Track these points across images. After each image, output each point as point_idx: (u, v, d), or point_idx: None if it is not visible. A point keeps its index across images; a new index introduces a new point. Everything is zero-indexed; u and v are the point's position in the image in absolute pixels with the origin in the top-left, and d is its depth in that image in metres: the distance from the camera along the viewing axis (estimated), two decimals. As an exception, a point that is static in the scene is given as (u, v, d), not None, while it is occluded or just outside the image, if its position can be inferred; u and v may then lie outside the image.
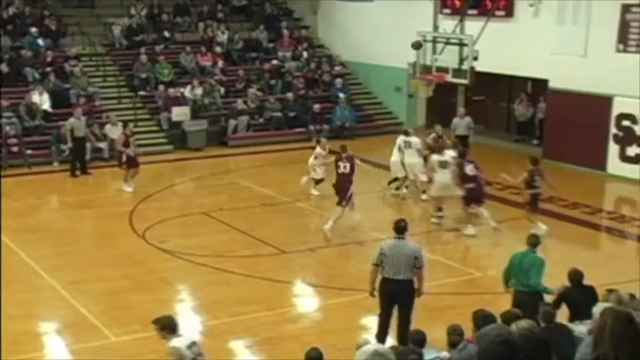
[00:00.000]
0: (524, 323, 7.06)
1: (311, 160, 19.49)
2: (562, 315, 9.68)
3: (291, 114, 26.70)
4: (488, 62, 21.86)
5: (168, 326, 8.45)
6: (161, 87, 25.93)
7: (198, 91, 26.08)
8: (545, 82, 23.42)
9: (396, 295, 10.90)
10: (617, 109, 21.36)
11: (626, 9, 20.89)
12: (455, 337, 8.19)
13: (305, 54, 29.71)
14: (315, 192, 19.50)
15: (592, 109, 21.74)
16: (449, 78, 22.06)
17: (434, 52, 22.28)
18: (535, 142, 25.14)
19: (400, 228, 11.02)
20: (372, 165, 21.16)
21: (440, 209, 17.65)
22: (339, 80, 28.48)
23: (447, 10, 25.22)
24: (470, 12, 23.93)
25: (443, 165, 17.19)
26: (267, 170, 22.88)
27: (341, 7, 30.16)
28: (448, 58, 21.93)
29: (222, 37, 29.00)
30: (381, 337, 10.91)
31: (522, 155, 23.96)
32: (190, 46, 27.84)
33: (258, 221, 17.69)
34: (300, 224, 17.62)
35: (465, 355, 7.52)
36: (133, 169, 19.94)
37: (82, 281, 14.00)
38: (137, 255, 15.52)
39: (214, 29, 29.19)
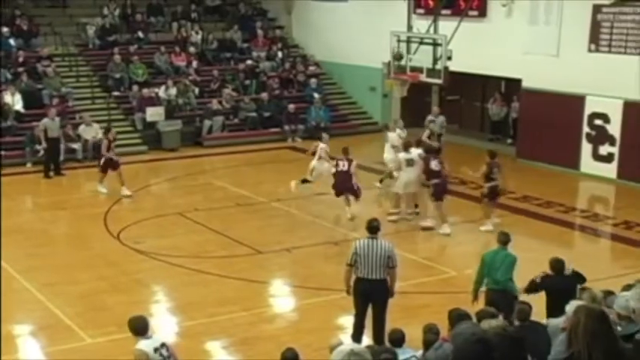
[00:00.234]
0: (492, 322, 7.11)
1: (314, 162, 18.86)
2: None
3: (266, 114, 26.69)
4: (462, 62, 21.97)
5: (133, 329, 8.41)
6: (135, 87, 25.82)
7: (173, 91, 26.00)
8: (518, 81, 23.57)
9: (370, 294, 10.93)
10: (589, 108, 21.53)
11: (597, 9, 21.07)
12: (431, 335, 8.23)
13: (279, 54, 29.70)
14: (293, 185, 18.99)
15: (565, 108, 21.90)
16: (423, 78, 22.16)
17: (408, 51, 22.38)
18: (509, 141, 25.29)
19: (373, 228, 11.05)
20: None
21: (397, 206, 17.85)
22: (313, 80, 28.51)
23: (421, 10, 25.30)
24: (443, 12, 24.03)
25: (409, 163, 17.27)
26: (242, 170, 22.86)
27: (315, 7, 30.18)
28: (422, 57, 22.05)
29: (197, 38, 28.93)
30: (357, 336, 10.95)
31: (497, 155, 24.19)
32: (164, 46, 27.74)
33: (234, 221, 17.67)
34: (276, 224, 17.61)
35: (441, 354, 7.56)
36: (116, 170, 19.62)
37: (56, 283, 13.92)
38: (112, 256, 15.45)
39: (188, 29, 29.11)
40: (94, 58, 27.28)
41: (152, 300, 13.61)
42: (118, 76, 26.27)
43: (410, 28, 23.67)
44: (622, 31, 20.61)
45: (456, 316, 8.09)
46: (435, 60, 21.74)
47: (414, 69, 22.26)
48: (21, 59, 25.44)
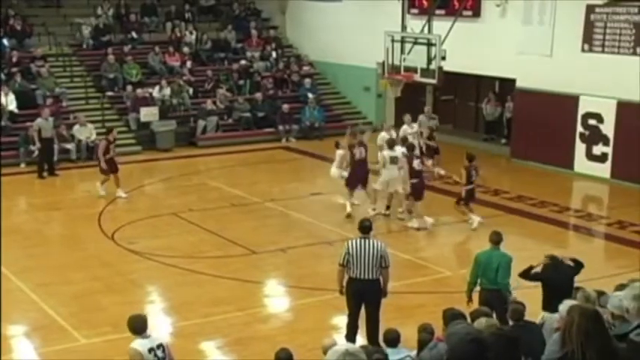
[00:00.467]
0: (483, 320, 7.13)
1: (334, 169, 18.61)
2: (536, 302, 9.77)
3: (260, 114, 26.68)
4: (456, 62, 22.03)
5: (131, 327, 8.39)
6: (129, 87, 25.80)
7: (167, 91, 25.97)
8: (512, 81, 23.60)
9: (363, 294, 10.92)
10: (583, 108, 21.57)
11: (590, 9, 21.11)
12: (425, 335, 8.23)
13: (273, 54, 29.70)
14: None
15: (559, 108, 21.94)
16: (417, 78, 22.18)
17: (402, 51, 22.39)
18: (503, 141, 25.32)
19: (365, 227, 11.04)
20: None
21: (375, 202, 17.94)
22: (307, 80, 28.50)
23: (415, 10, 25.32)
24: (437, 12, 24.05)
25: (393, 160, 17.29)
26: (237, 170, 22.85)
27: (309, 7, 30.18)
28: (416, 57, 22.06)
29: (190, 38, 28.91)
30: (351, 337, 10.94)
31: (491, 154, 24.26)
32: (158, 47, 27.71)
33: (228, 222, 17.67)
34: (270, 224, 17.60)
35: (436, 354, 7.57)
36: (115, 175, 19.39)
37: (51, 283, 13.91)
38: (106, 257, 15.44)
39: (182, 29, 29.09)
40: (88, 58, 27.25)
41: (146, 300, 13.60)
42: (111, 76, 26.25)
43: (404, 28, 23.69)
44: (615, 31, 20.66)
45: (451, 316, 8.10)
46: (429, 60, 21.77)
47: (408, 69, 22.28)
48: (14, 59, 25.39)
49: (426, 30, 22.98)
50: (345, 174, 18.07)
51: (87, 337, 11.79)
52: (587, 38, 21.24)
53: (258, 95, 27.05)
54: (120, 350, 10.38)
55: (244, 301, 13.26)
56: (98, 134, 23.41)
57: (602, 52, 20.94)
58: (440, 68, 21.52)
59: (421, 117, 22.74)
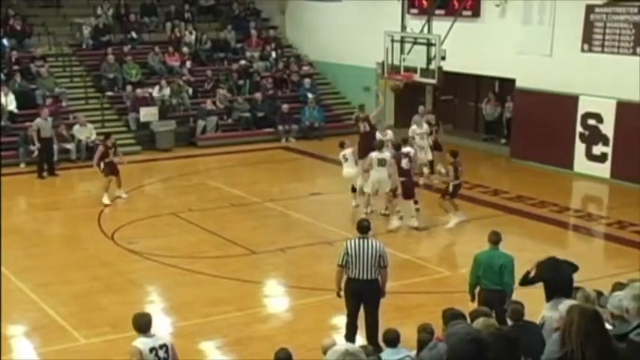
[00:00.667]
0: (480, 320, 7.13)
1: (347, 169, 18.45)
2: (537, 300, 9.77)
3: (260, 114, 26.68)
4: (456, 62, 22.03)
5: (136, 325, 8.39)
6: (129, 87, 25.79)
7: (166, 91, 25.97)
8: (512, 81, 23.60)
9: (362, 295, 10.91)
10: (582, 108, 21.56)
11: (590, 9, 21.11)
12: (425, 335, 8.23)
13: (273, 54, 29.69)
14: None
15: (558, 108, 21.94)
16: (417, 78, 22.18)
17: (402, 51, 22.39)
18: (503, 141, 25.32)
19: (364, 227, 11.04)
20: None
21: (367, 204, 17.93)
22: (307, 80, 28.50)
23: (415, 10, 25.32)
24: (437, 12, 24.05)
25: (381, 162, 17.24)
26: (236, 170, 22.85)
27: (309, 7, 30.18)
28: (416, 57, 22.06)
29: (190, 38, 28.91)
30: (351, 337, 10.92)
31: (491, 154, 24.29)
32: (158, 47, 27.71)
33: (228, 222, 17.67)
34: (270, 224, 17.61)
35: (435, 354, 7.57)
36: (115, 176, 19.12)
37: (50, 283, 13.91)
38: (106, 256, 15.44)
39: (182, 29, 29.09)
40: (88, 58, 27.25)
41: (146, 300, 13.59)
42: (111, 76, 26.24)
43: (404, 28, 23.70)
44: (615, 31, 20.66)
45: (450, 316, 8.10)
46: (429, 60, 21.77)
47: (407, 69, 22.28)
48: (14, 59, 25.38)
49: (425, 30, 22.99)
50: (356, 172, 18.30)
51: (86, 337, 11.79)
52: (587, 38, 21.25)
53: (258, 95, 27.05)
54: (119, 350, 10.40)
55: (244, 301, 13.27)
56: (98, 134, 23.42)
57: (602, 52, 20.95)
58: (439, 68, 21.53)
59: (415, 117, 22.78)
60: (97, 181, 19.55)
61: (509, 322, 8.74)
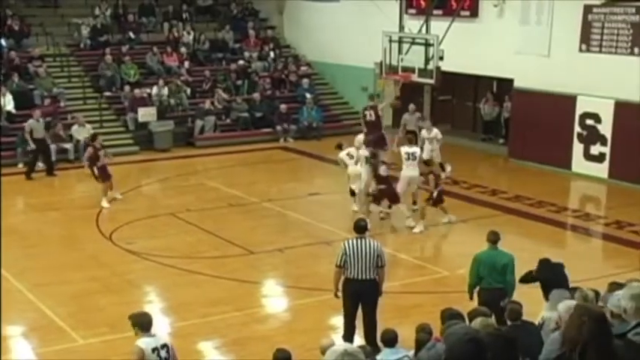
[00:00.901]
0: (478, 320, 7.13)
1: (353, 167, 17.95)
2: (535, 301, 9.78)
3: (258, 114, 26.68)
4: (454, 62, 22.04)
5: (138, 323, 8.41)
6: (127, 87, 25.78)
7: (165, 91, 25.96)
8: (510, 81, 23.61)
9: (361, 295, 10.90)
10: (580, 108, 21.58)
11: (588, 10, 21.12)
12: (423, 335, 8.23)
13: (271, 54, 29.70)
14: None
15: (556, 108, 21.95)
16: (415, 78, 22.20)
17: (400, 52, 22.40)
18: (501, 141, 25.33)
19: (361, 227, 11.04)
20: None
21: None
22: (305, 80, 28.50)
23: (413, 11, 25.33)
24: (435, 12, 24.07)
25: (411, 157, 17.39)
26: (235, 171, 22.84)
27: (307, 7, 30.18)
28: (414, 58, 22.08)
29: (188, 38, 28.89)
30: (349, 338, 10.91)
31: (489, 154, 24.31)
32: (156, 47, 27.70)
33: (226, 222, 17.66)
34: (268, 224, 17.60)
35: (434, 354, 7.57)
36: (107, 181, 18.96)
37: (48, 284, 13.90)
38: (104, 257, 15.43)
39: (180, 29, 29.08)
40: (86, 58, 27.24)
41: (144, 300, 13.58)
42: (109, 74, 26.20)
43: (402, 28, 23.71)
44: (613, 31, 20.67)
45: (449, 316, 8.11)
46: (427, 60, 21.79)
47: (405, 69, 22.29)
48: (12, 60, 25.36)
49: (423, 30, 23.01)
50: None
51: (84, 337, 11.78)
52: (585, 38, 21.26)
53: (256, 95, 27.05)
54: (118, 350, 10.41)
55: (242, 301, 13.26)
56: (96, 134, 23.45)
57: (600, 52, 20.96)
58: (437, 68, 21.55)
59: (405, 115, 22.88)
60: (95, 182, 19.52)
61: (508, 322, 8.75)
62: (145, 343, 8.23)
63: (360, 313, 11.05)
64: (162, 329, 11.76)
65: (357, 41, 27.13)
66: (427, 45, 21.88)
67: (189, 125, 25.86)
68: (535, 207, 18.85)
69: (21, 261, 15.04)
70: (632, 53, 20.28)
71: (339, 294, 11.04)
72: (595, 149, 21.39)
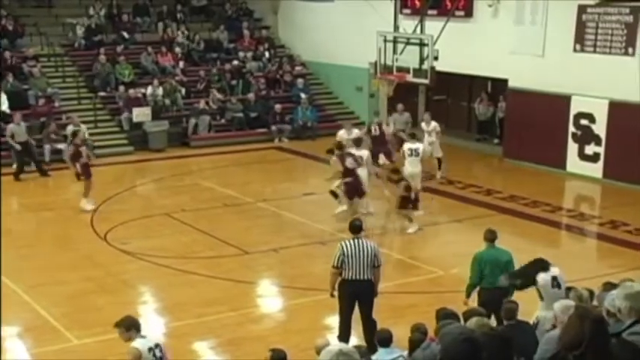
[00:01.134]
0: (473, 320, 7.13)
1: (335, 161, 17.65)
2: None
3: (253, 114, 26.67)
4: (449, 62, 22.06)
5: (133, 325, 8.45)
6: (122, 88, 25.76)
7: (159, 91, 25.94)
8: (504, 81, 23.63)
9: (359, 295, 10.89)
10: (575, 108, 21.60)
11: (582, 10, 21.15)
12: (418, 335, 8.23)
13: (266, 54, 29.69)
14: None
15: (551, 108, 21.99)
16: (410, 78, 22.21)
17: (394, 51, 22.41)
18: (496, 141, 25.36)
19: (357, 227, 11.05)
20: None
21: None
22: (300, 80, 28.50)
23: (407, 11, 25.33)
24: (430, 12, 24.07)
25: (414, 153, 17.41)
26: (229, 171, 22.83)
27: (301, 7, 30.17)
28: (408, 58, 22.08)
29: (183, 38, 28.86)
30: (345, 338, 10.91)
31: (483, 154, 24.33)
32: (151, 47, 27.67)
33: (221, 222, 17.65)
34: (263, 224, 17.59)
35: (429, 354, 7.57)
36: (87, 179, 18.49)
37: (43, 284, 13.88)
38: (99, 257, 15.41)
39: (174, 29, 29.05)
40: (80, 58, 27.20)
41: (139, 301, 13.58)
42: (104, 74, 26.15)
43: (396, 28, 23.71)
44: (607, 31, 20.70)
45: (443, 316, 8.12)
46: (422, 60, 21.79)
47: (400, 69, 22.30)
48: (6, 60, 25.31)
49: (418, 30, 23.01)
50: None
51: (79, 337, 11.77)
52: (579, 38, 21.29)
53: (251, 95, 27.04)
54: (113, 351, 10.39)
55: (237, 301, 13.26)
56: (90, 134, 23.45)
57: (594, 52, 20.98)
58: (432, 68, 21.55)
59: (394, 115, 23.00)
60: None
61: (504, 322, 8.77)
62: (140, 343, 8.28)
63: (356, 314, 11.04)
64: (156, 329, 11.78)
65: (352, 41, 27.13)
66: (422, 45, 21.88)
67: (183, 125, 25.85)
68: (530, 207, 18.87)
69: (15, 261, 15.00)
70: (626, 53, 20.31)
71: (335, 293, 11.04)
72: (589, 149, 21.41)
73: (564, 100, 21.65)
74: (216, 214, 18.29)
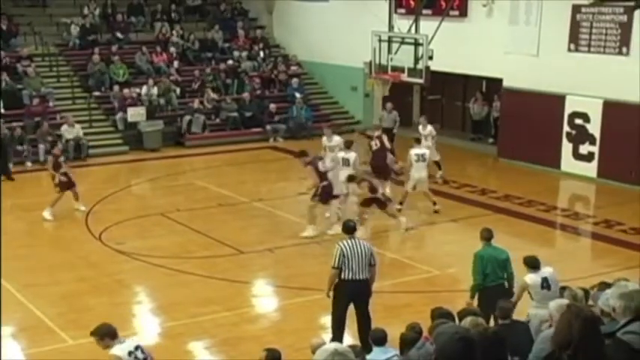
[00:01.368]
0: (468, 319, 7.14)
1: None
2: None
3: (248, 114, 26.67)
4: (443, 62, 22.08)
5: (107, 333, 8.34)
6: (116, 87, 25.73)
7: (154, 91, 25.92)
8: (499, 81, 23.66)
9: (358, 295, 10.91)
10: (569, 107, 21.64)
11: (576, 9, 21.19)
12: (412, 334, 8.23)
13: (261, 54, 29.68)
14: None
15: (545, 107, 22.02)
16: (404, 77, 22.23)
17: (389, 51, 22.42)
18: (490, 140, 25.39)
19: (351, 228, 11.15)
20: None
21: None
22: (295, 80, 28.50)
23: (402, 10, 25.34)
24: (424, 12, 24.08)
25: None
26: (224, 170, 22.82)
27: (296, 7, 30.17)
28: (403, 57, 22.10)
29: (177, 37, 28.83)
30: (339, 338, 10.91)
31: (478, 154, 24.36)
32: (145, 46, 27.64)
33: (216, 222, 17.64)
34: (258, 224, 17.58)
35: (424, 353, 7.58)
36: (72, 189, 18.17)
37: (38, 284, 13.86)
38: (93, 257, 15.40)
39: (168, 29, 29.02)
40: (75, 58, 27.16)
41: (134, 301, 13.57)
42: (98, 73, 26.11)
43: (391, 27, 23.72)
44: (601, 30, 20.75)
45: (438, 315, 8.14)
46: (417, 60, 21.80)
47: (395, 69, 22.31)
48: (1, 59, 25.23)
49: (413, 30, 23.01)
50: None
51: (74, 337, 11.74)
52: (574, 38, 21.32)
53: (246, 95, 27.04)
54: (107, 352, 10.35)
55: (232, 301, 13.25)
56: (85, 134, 23.43)
57: (589, 51, 21.03)
58: (427, 68, 21.57)
59: (383, 113, 23.02)
60: (85, 182, 19.45)
61: (499, 321, 8.79)
62: (119, 349, 8.18)
63: (351, 314, 11.04)
64: (151, 329, 11.79)
65: (347, 41, 27.14)
66: (416, 44, 21.89)
67: (178, 125, 25.82)
68: (524, 206, 18.90)
69: (10, 261, 14.93)
70: (620, 53, 20.35)
71: (331, 294, 11.04)
72: (584, 148, 21.45)
73: (559, 100, 21.68)
74: (211, 213, 18.28)
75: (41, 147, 22.40)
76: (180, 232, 16.93)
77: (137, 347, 8.32)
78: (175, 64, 27.72)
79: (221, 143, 25.47)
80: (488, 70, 23.88)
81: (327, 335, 11.01)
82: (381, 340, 8.61)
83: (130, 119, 24.88)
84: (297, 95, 27.63)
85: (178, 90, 26.70)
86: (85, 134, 23.81)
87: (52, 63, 26.55)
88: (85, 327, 11.93)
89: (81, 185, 19.50)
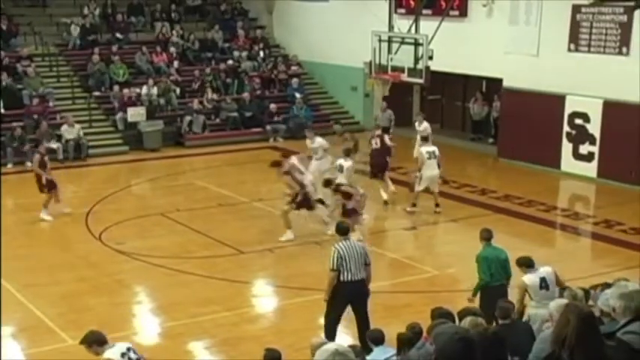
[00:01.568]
0: (468, 319, 7.14)
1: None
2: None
3: (248, 114, 26.66)
4: (443, 62, 22.08)
5: (95, 340, 8.34)
6: (116, 87, 25.73)
7: (154, 91, 25.91)
8: (499, 81, 23.66)
9: (357, 295, 10.92)
10: (569, 107, 21.64)
11: (576, 9, 21.19)
12: (407, 333, 8.23)
13: (261, 54, 29.68)
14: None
15: (545, 107, 22.02)
16: (404, 77, 22.24)
17: (389, 51, 22.43)
18: (490, 140, 25.39)
19: (344, 229, 11.17)
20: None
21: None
22: (295, 80, 28.50)
23: (402, 10, 25.33)
24: (424, 12, 24.08)
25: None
26: (224, 170, 22.82)
27: (296, 7, 30.16)
28: (403, 57, 22.11)
29: (177, 37, 28.83)
30: (332, 338, 10.89)
31: (478, 154, 24.36)
32: (145, 46, 27.64)
33: (216, 222, 17.64)
34: (258, 224, 17.58)
35: (424, 353, 7.58)
36: (53, 191, 17.92)
37: (38, 284, 13.86)
38: (93, 257, 15.40)
39: (168, 29, 29.02)
40: (75, 58, 27.15)
41: (134, 301, 13.57)
42: (99, 72, 26.10)
43: (391, 27, 23.73)
44: (601, 30, 20.74)
45: (437, 315, 8.13)
46: (417, 60, 21.82)
47: (395, 69, 22.32)
48: (1, 60, 25.23)
49: (413, 30, 23.02)
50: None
51: (74, 337, 11.64)
52: (574, 38, 21.32)
53: (246, 95, 27.04)
54: (107, 351, 10.36)
55: (232, 301, 13.25)
56: (85, 134, 23.42)
57: (589, 51, 21.03)
58: (427, 68, 21.58)
59: (378, 113, 23.05)
60: (85, 182, 19.45)
61: (499, 321, 8.79)
62: (111, 353, 8.17)
63: (348, 314, 11.03)
64: (151, 329, 11.79)
65: (347, 41, 27.13)
66: (416, 44, 21.90)
67: (178, 125, 25.82)
68: (524, 206, 18.89)
69: (10, 261, 14.93)
70: (620, 53, 20.35)
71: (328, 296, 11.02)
72: (584, 148, 21.45)
73: (559, 100, 21.68)
74: (211, 213, 18.27)
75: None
76: (180, 232, 16.93)
77: (129, 349, 8.33)
78: (175, 64, 27.72)
79: (221, 143, 25.46)
80: (488, 70, 23.88)
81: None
82: (378, 339, 8.62)
83: (130, 119, 24.88)
84: (297, 95, 27.62)
85: (178, 90, 26.69)
86: (85, 134, 23.82)
87: (52, 63, 26.54)
88: (85, 327, 11.90)
89: (81, 185, 19.57)
